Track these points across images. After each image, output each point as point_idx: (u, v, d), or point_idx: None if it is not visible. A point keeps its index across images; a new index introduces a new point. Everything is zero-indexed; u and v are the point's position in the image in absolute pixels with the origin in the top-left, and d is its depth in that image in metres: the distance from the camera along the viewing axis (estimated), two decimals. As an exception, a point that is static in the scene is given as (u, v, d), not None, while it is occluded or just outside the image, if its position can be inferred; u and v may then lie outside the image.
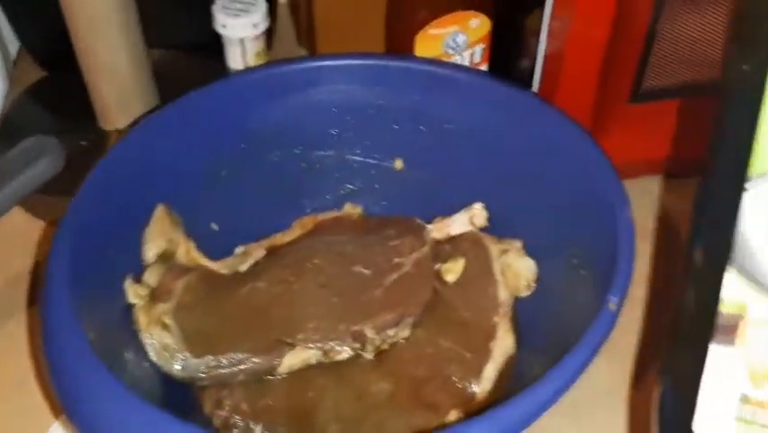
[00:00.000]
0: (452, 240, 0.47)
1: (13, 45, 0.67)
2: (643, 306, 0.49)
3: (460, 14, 0.52)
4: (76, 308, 0.34)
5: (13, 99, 0.63)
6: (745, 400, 0.29)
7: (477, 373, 0.41)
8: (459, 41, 0.54)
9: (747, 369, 0.29)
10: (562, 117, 0.45)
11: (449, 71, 0.49)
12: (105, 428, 0.30)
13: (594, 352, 0.32)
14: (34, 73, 0.65)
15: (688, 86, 0.51)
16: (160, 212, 0.44)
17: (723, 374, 0.29)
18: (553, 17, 0.49)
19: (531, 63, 0.53)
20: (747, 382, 0.29)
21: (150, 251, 0.42)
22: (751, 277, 0.28)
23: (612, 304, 0.34)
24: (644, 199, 0.56)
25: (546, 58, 0.51)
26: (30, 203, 0.54)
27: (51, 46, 0.64)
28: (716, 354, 0.29)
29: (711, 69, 0.49)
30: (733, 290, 0.28)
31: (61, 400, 0.32)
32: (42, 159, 0.43)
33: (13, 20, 0.64)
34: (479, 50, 0.55)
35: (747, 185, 0.28)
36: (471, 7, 0.52)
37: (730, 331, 0.29)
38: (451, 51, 0.54)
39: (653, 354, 0.46)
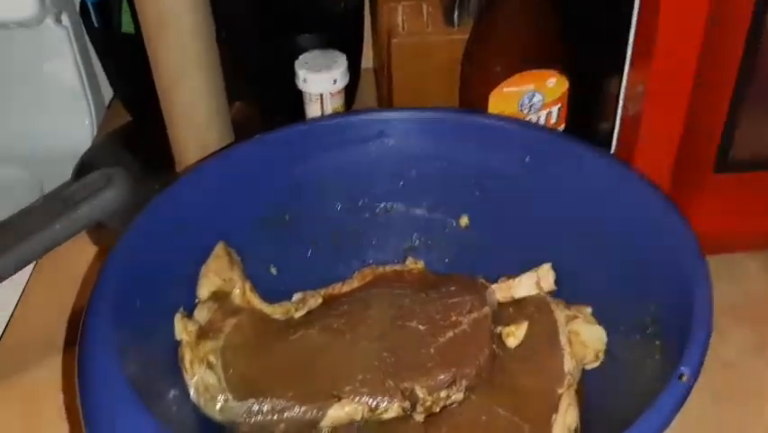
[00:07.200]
0: (516, 303, 0.45)
1: (107, 89, 0.71)
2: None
3: (536, 73, 0.51)
4: (116, 342, 0.33)
5: (97, 140, 0.65)
6: None
7: (534, 446, 0.38)
8: (535, 100, 0.52)
9: None
10: (642, 183, 0.42)
11: (521, 129, 0.47)
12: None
13: (663, 427, 0.29)
14: (126, 117, 0.67)
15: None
16: (219, 250, 0.43)
17: None
18: (630, 80, 0.48)
19: (610, 127, 0.51)
20: None
21: (205, 287, 0.42)
22: None
23: (684, 376, 0.30)
24: (733, 277, 0.52)
25: (623, 121, 0.49)
26: (102, 237, 0.55)
27: (138, 94, 0.67)
28: None
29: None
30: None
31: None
32: (109, 189, 0.44)
33: (106, 68, 0.68)
34: (555, 110, 0.53)
35: None
36: (548, 66, 0.51)
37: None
38: (526, 111, 0.53)
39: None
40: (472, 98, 0.53)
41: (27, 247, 0.41)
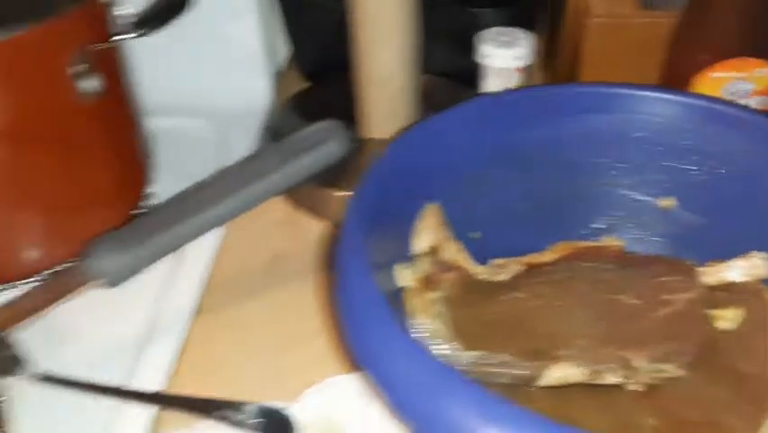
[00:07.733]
0: (727, 288, 0.44)
1: (278, 58, 0.73)
2: None
3: (747, 61, 0.50)
4: (370, 266, 0.34)
5: (276, 107, 0.67)
6: None
7: (756, 426, 0.37)
8: (740, 88, 0.51)
9: None
10: None
11: (739, 111, 0.46)
12: (398, 383, 0.30)
13: None
14: (297, 85, 0.69)
15: None
16: (432, 209, 0.44)
17: None
18: None
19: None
20: None
21: (422, 242, 0.42)
22: None
23: None
24: None
25: None
26: (293, 194, 0.57)
27: (321, 59, 0.68)
28: None
29: None
30: None
31: (359, 355, 0.32)
32: (332, 140, 0.45)
33: (290, 33, 0.69)
34: (760, 100, 0.52)
35: None
36: (759, 55, 0.50)
37: None
38: (730, 98, 0.52)
39: None
40: (675, 80, 0.53)
41: (261, 187, 0.43)
